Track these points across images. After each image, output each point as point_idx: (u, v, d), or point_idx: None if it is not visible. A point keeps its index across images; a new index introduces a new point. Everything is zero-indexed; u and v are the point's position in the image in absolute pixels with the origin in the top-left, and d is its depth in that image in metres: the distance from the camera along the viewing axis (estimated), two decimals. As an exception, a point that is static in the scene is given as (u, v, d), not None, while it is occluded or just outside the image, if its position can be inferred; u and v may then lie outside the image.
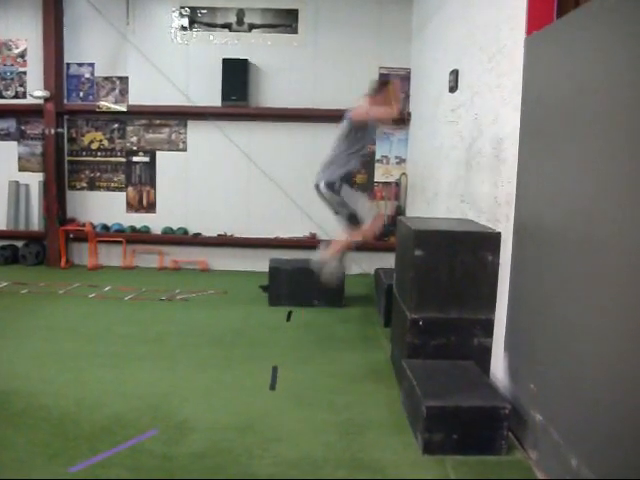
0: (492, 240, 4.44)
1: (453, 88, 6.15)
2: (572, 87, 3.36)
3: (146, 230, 9.73)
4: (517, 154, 4.17)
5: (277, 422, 4.15)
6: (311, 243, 9.43)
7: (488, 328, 4.47)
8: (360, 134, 5.46)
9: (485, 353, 4.50)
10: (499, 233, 4.45)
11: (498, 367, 4.40)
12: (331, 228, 9.38)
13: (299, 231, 9.55)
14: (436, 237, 4.49)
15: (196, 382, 4.86)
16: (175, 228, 9.71)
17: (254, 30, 9.45)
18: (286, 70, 9.45)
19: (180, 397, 4.53)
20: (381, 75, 9.05)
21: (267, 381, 4.90)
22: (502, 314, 4.35)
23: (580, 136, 3.21)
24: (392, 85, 5.64)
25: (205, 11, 9.47)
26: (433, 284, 4.45)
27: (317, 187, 5.57)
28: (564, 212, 3.38)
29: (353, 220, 5.40)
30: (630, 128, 2.69)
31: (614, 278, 2.77)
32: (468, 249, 4.43)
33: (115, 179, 9.83)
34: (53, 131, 9.35)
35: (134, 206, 9.84)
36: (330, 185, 5.41)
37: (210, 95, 9.32)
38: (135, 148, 9.76)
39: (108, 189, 9.86)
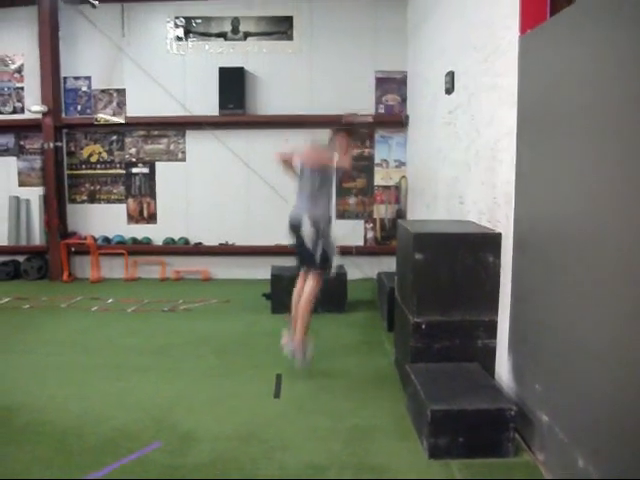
0: (492, 241, 4.42)
1: (449, 90, 6.14)
2: (567, 86, 3.34)
3: (147, 241, 9.72)
4: (515, 154, 4.15)
5: (282, 430, 4.13)
6: (313, 249, 9.43)
7: (491, 329, 4.45)
8: (328, 179, 5.36)
9: (489, 355, 4.47)
10: (499, 234, 4.43)
11: (503, 368, 4.37)
12: (332, 233, 9.42)
13: (300, 237, 9.52)
14: (436, 240, 4.46)
15: (200, 392, 4.84)
16: (176, 238, 9.71)
17: (249, 38, 9.47)
18: (282, 77, 9.46)
19: (184, 408, 4.51)
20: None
21: (271, 389, 4.89)
22: (505, 315, 4.32)
23: (577, 135, 3.19)
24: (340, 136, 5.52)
25: (200, 21, 9.49)
26: (435, 287, 4.43)
27: (296, 224, 5.31)
28: (564, 211, 3.36)
29: (325, 263, 5.17)
30: (628, 126, 2.67)
31: (617, 276, 2.74)
32: (469, 251, 4.40)
33: (115, 191, 9.83)
34: (52, 145, 9.36)
35: (135, 217, 9.84)
36: (316, 224, 5.17)
37: (207, 104, 9.33)
38: (134, 159, 9.77)
39: (108, 201, 9.87)
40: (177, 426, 4.18)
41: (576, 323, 3.17)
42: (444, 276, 4.41)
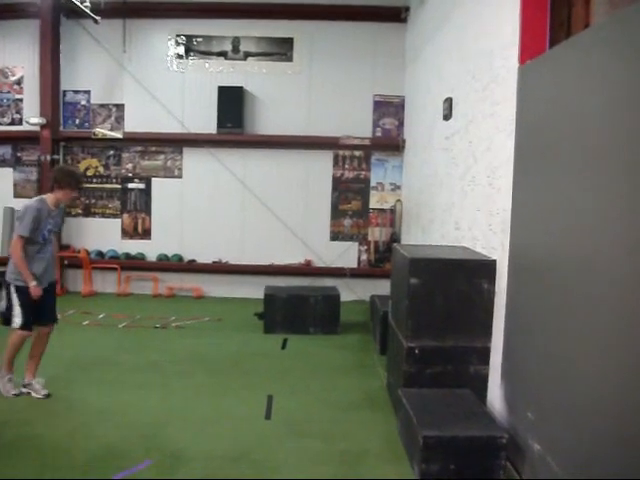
0: (487, 268, 4.44)
1: (447, 116, 6.19)
2: (565, 115, 3.38)
3: (141, 257, 9.70)
4: (512, 182, 4.18)
5: (272, 451, 4.11)
6: (306, 270, 9.46)
7: (484, 356, 4.46)
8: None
9: (481, 381, 4.47)
10: (494, 261, 4.45)
11: (495, 395, 4.37)
12: (326, 255, 9.46)
13: (294, 258, 9.54)
14: (432, 265, 4.48)
15: (191, 411, 4.82)
16: (170, 255, 9.69)
17: (249, 58, 9.54)
18: (281, 97, 9.52)
19: (175, 426, 4.48)
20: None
21: (262, 410, 4.87)
22: (499, 342, 4.33)
23: (574, 164, 3.22)
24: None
25: (201, 39, 9.56)
26: (429, 312, 4.44)
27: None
28: (560, 240, 3.38)
29: (6, 320, 5.06)
30: (622, 154, 2.70)
31: (610, 304, 2.76)
32: (464, 277, 4.42)
33: (110, 206, 9.83)
34: (49, 158, 9.37)
35: (129, 233, 9.82)
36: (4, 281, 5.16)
37: (205, 122, 9.37)
38: (130, 175, 9.78)
39: (103, 216, 9.86)
40: (168, 445, 4.15)
41: (570, 351, 3.18)
42: (439, 302, 4.42)
